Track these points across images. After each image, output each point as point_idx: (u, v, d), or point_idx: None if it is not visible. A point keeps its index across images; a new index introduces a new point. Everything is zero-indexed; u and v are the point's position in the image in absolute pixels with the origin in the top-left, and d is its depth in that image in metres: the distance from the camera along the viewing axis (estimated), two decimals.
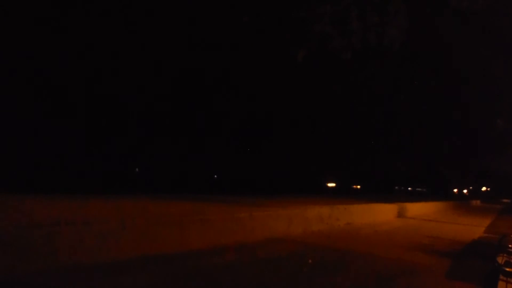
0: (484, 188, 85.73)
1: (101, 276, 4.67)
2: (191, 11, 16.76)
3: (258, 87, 21.26)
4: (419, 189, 57.68)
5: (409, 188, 55.08)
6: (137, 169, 21.69)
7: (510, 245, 6.69)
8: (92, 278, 4.59)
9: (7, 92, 13.97)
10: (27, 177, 13.66)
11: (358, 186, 42.79)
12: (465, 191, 76.80)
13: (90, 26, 15.17)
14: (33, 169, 14.75)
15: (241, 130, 22.63)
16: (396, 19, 14.81)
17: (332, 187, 37.39)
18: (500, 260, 6.38)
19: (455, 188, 67.07)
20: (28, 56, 14.20)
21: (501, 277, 5.46)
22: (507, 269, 5.29)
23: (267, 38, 17.11)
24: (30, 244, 4.48)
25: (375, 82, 25.41)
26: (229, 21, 16.61)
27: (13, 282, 4.18)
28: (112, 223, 5.40)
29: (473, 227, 14.84)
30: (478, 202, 49.10)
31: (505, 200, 69.35)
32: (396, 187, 47.56)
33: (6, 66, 13.67)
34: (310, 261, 6.94)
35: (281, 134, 24.41)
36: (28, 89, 14.65)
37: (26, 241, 4.46)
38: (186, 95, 19.01)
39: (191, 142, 20.47)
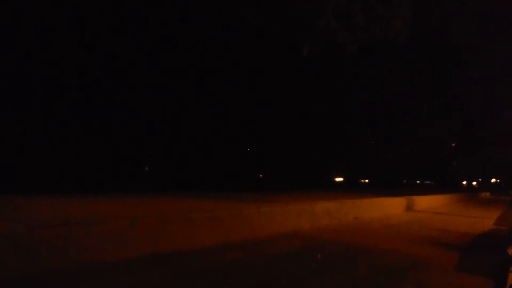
0: (493, 180, 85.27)
1: (112, 275, 4.71)
2: (194, 7, 16.75)
3: (265, 82, 21.25)
4: (427, 182, 57.42)
5: (418, 181, 54.80)
6: (146, 168, 21.76)
7: None
8: (103, 276, 4.63)
9: (13, 91, 14.05)
10: (35, 178, 13.76)
11: (366, 180, 42.67)
12: (474, 183, 76.42)
13: (94, 23, 15.23)
14: (41, 169, 14.84)
15: (247, 126, 22.63)
16: (401, 11, 14.72)
17: (339, 182, 37.33)
18: (511, 252, 6.36)
19: (464, 180, 66.72)
20: (32, 55, 14.29)
21: None
22: None
23: (272, 34, 17.06)
24: (40, 244, 4.53)
25: (381, 75, 25.31)
26: (232, 17, 16.59)
27: (24, 282, 4.22)
28: (122, 222, 5.44)
29: (482, 220, 14.76)
30: (488, 194, 48.78)
31: None
32: (404, 181, 47.35)
33: (9, 65, 13.74)
34: (319, 256, 6.95)
35: (288, 129, 24.38)
36: (35, 88, 14.73)
37: (37, 241, 4.50)
38: (190, 93, 19.05)
39: (198, 140, 20.51)
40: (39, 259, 4.49)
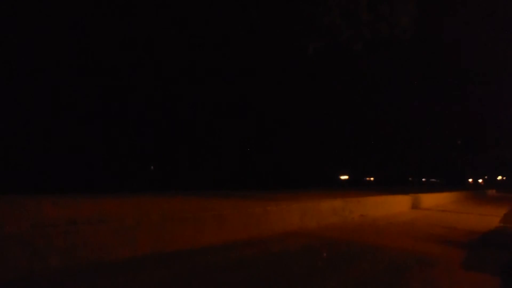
0: (499, 177, 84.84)
1: (118, 273, 4.73)
2: (198, 5, 16.74)
3: (269, 80, 21.23)
4: (433, 179, 57.24)
5: (423, 179, 54.61)
6: (152, 167, 21.82)
7: None
8: (109, 275, 4.65)
9: (16, 92, 14.10)
10: (42, 177, 13.82)
11: (372, 178, 42.58)
12: (480, 180, 76.13)
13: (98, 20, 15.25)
14: (46, 168, 14.91)
15: (252, 124, 22.63)
16: (407, 7, 14.66)
17: (345, 180, 37.28)
18: None
19: (470, 178, 66.48)
20: (39, 55, 14.34)
21: None
22: None
23: (277, 32, 17.04)
24: (47, 243, 4.56)
25: (386, 73, 25.24)
26: (238, 16, 16.58)
27: (32, 280, 4.25)
28: (128, 221, 5.46)
29: (488, 217, 14.69)
30: (494, 191, 48.51)
31: None
32: (410, 178, 47.20)
33: (11, 64, 13.78)
34: (324, 254, 6.94)
35: (293, 127, 24.37)
36: (37, 87, 14.76)
37: (44, 240, 4.54)
38: (197, 92, 19.06)
39: (203, 139, 20.54)
40: (46, 258, 4.52)
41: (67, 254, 4.70)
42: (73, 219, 5.00)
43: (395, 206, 14.61)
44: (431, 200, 19.32)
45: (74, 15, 14.71)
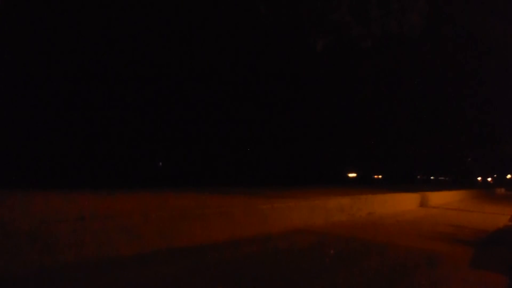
0: (509, 176, 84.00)
1: (126, 268, 4.76)
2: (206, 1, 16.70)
3: (276, 77, 21.19)
4: (442, 178, 56.88)
5: (432, 177, 54.28)
6: (160, 163, 21.89)
7: None
8: (117, 270, 4.69)
9: (25, 87, 14.16)
10: (51, 173, 13.92)
11: (380, 176, 42.40)
12: (489, 179, 75.52)
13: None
14: (56, 164, 15.01)
15: (260, 121, 22.62)
16: (417, 4, 14.54)
17: (353, 177, 37.18)
18: None
19: (479, 176, 65.99)
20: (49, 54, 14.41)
21: None
22: None
23: (285, 28, 16.98)
24: (57, 238, 4.60)
25: (395, 70, 25.10)
26: (246, 12, 16.53)
27: (42, 275, 4.30)
28: (136, 217, 5.49)
29: (497, 216, 14.60)
30: (503, 190, 48.19)
31: None
32: (418, 176, 46.94)
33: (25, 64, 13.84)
34: (332, 251, 6.95)
35: (301, 125, 24.32)
36: (50, 82, 14.83)
37: (53, 235, 4.58)
38: (205, 88, 19.07)
39: (211, 136, 20.56)
40: (55, 253, 4.57)
41: (76, 250, 4.74)
42: (82, 215, 5.05)
43: (403, 204, 14.57)
44: (439, 198, 19.25)
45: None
